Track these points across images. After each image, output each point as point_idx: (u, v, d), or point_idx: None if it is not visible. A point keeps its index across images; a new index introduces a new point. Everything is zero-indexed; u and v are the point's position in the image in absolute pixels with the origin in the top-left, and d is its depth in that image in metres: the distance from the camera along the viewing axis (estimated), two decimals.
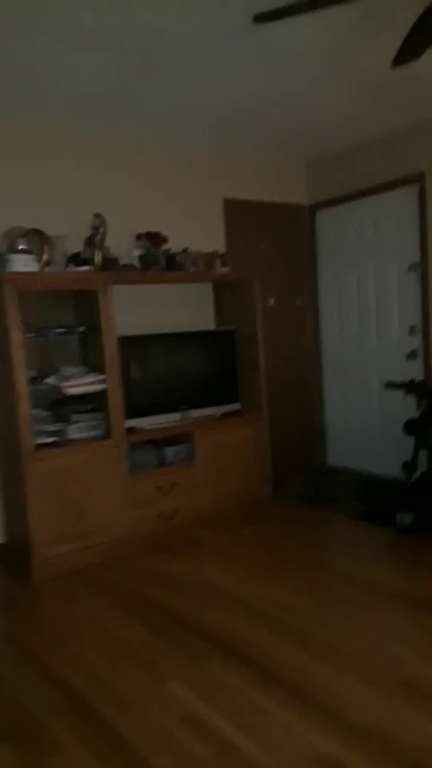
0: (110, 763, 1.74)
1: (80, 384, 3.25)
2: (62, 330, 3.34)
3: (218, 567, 3.07)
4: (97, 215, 3.34)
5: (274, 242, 4.51)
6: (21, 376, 3.00)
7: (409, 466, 3.41)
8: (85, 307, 3.38)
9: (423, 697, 1.93)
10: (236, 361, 4.02)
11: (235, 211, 4.26)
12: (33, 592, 2.95)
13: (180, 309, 3.99)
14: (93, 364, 3.39)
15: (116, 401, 3.33)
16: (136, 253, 3.61)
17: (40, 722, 1.94)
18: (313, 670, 2.12)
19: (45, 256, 3.17)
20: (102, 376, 3.30)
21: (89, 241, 3.35)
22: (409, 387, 3.54)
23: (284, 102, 3.34)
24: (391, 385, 3.64)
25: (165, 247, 3.70)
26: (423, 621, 2.42)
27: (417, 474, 3.42)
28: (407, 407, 4.02)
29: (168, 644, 2.36)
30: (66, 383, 3.21)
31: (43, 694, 2.10)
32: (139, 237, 3.68)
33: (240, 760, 1.72)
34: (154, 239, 3.66)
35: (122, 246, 3.60)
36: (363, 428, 4.53)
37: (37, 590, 2.97)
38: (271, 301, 4.47)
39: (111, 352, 3.31)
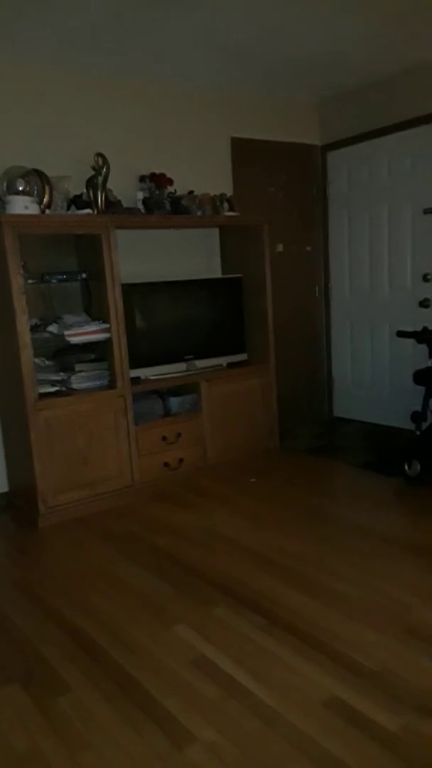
0: (120, 702, 1.76)
1: (84, 333, 3.18)
2: (64, 276, 3.24)
3: (224, 515, 3.07)
4: (98, 155, 3.19)
5: (283, 185, 4.34)
6: (23, 323, 2.93)
7: (418, 416, 3.37)
8: (87, 252, 3.27)
9: (430, 642, 1.94)
10: (243, 310, 3.92)
11: (243, 152, 4.07)
12: (40, 540, 2.97)
13: (185, 255, 3.87)
14: (96, 312, 3.30)
15: (121, 350, 3.26)
16: (140, 195, 3.46)
17: (49, 663, 1.97)
18: (320, 616, 2.12)
19: (45, 198, 3.05)
20: (106, 325, 3.22)
21: (91, 183, 3.22)
22: (421, 336, 3.45)
23: (297, 32, 3.11)
24: (402, 334, 3.55)
25: (170, 189, 3.55)
26: (430, 569, 2.41)
27: (426, 424, 3.38)
28: (417, 357, 3.95)
29: (175, 589, 2.37)
30: (69, 332, 3.14)
31: (52, 636, 2.12)
32: (142, 179, 3.53)
33: (248, 700, 1.73)
34: (158, 181, 3.52)
35: (125, 188, 3.46)
36: (371, 379, 4.46)
37: (43, 537, 2.98)
38: (280, 248, 4.33)
39: (115, 300, 3.22)
